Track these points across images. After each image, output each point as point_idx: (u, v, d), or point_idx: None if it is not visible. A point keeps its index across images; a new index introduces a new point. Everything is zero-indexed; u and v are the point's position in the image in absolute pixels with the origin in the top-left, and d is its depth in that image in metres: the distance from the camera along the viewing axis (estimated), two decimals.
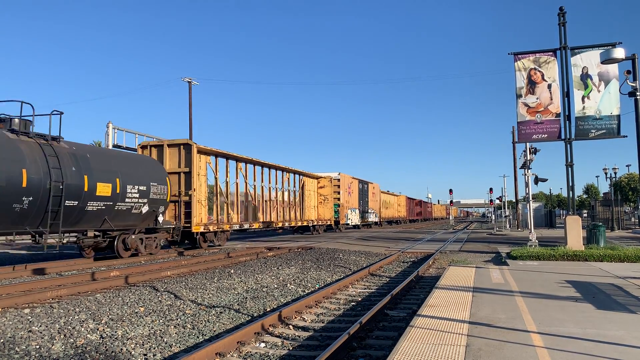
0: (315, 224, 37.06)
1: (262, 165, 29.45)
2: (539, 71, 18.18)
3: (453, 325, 6.56)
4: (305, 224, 35.28)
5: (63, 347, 7.04)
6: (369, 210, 52.67)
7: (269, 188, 30.19)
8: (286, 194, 33.20)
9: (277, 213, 31.39)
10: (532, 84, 18.24)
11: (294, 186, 34.57)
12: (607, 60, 13.82)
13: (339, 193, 41.65)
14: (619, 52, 13.46)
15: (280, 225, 31.34)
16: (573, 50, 17.77)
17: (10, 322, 7.89)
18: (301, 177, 36.03)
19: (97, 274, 13.85)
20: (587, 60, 17.56)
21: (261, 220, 28.68)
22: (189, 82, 38.87)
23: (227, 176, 25.18)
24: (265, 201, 29.45)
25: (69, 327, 7.87)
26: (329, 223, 39.93)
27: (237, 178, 26.07)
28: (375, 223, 57.17)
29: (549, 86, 18.09)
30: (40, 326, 7.80)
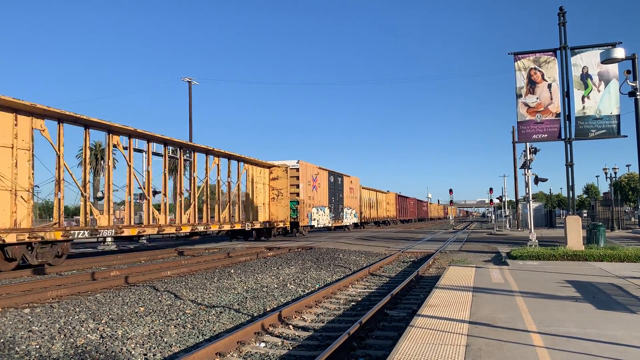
0: (260, 227, 28.08)
1: (165, 142, 20.88)
2: (539, 71, 18.17)
3: (453, 325, 6.56)
4: (237, 227, 25.49)
5: (63, 347, 7.04)
6: (345, 209, 43.21)
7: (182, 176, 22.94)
8: (216, 186, 25.44)
9: (195, 213, 22.90)
10: (532, 84, 18.24)
11: (229, 176, 26.07)
12: (607, 60, 13.81)
13: (297, 187, 32.16)
14: (619, 52, 13.45)
15: (190, 230, 21.88)
16: (573, 50, 17.77)
17: (10, 322, 7.90)
18: (242, 164, 27.17)
19: (97, 274, 13.85)
20: (587, 60, 17.56)
21: (161, 222, 20.35)
22: (189, 82, 38.88)
23: (86, 154, 17.73)
24: (173, 195, 22.77)
25: (69, 327, 7.87)
26: (283, 225, 30.61)
27: (108, 160, 18.17)
28: (356, 224, 48.36)
29: (549, 86, 18.09)
30: (40, 326, 7.80)
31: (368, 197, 54.22)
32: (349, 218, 44.53)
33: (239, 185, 27.03)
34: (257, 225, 27.93)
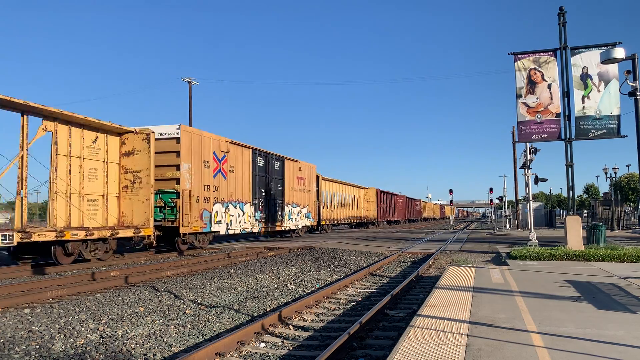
0: (58, 237, 14.33)
1: None
2: (539, 71, 18.17)
3: (453, 325, 6.56)
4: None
5: (63, 347, 7.04)
6: (289, 207, 30.67)
7: None
8: None
9: None
10: (532, 84, 18.24)
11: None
12: (607, 60, 13.82)
13: (178, 168, 19.58)
14: (619, 52, 13.46)
15: None
16: (573, 50, 17.77)
17: (10, 322, 7.89)
18: (41, 121, 15.21)
19: (97, 274, 13.85)
20: (587, 60, 17.57)
21: None
22: (189, 82, 38.85)
23: None
24: None
25: (69, 327, 7.87)
26: (136, 234, 17.47)
27: None
28: (310, 228, 36.21)
29: (549, 86, 18.09)
30: (40, 326, 7.80)
31: (334, 192, 41.45)
32: (296, 219, 32.01)
33: (22, 158, 14.38)
34: (48, 236, 14.11)
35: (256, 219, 26.15)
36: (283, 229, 30.01)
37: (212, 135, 22.21)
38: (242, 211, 24.77)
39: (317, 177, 37.40)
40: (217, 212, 22.30)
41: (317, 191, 37.09)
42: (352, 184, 48.88)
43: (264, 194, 27.22)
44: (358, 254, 20.52)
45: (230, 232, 23.57)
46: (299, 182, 33.10)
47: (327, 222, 39.37)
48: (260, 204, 26.89)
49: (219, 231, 22.53)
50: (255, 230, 26.11)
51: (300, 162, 33.59)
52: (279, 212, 29.32)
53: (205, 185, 21.44)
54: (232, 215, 23.71)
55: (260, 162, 27.09)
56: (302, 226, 33.39)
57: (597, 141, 17.89)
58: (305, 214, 33.98)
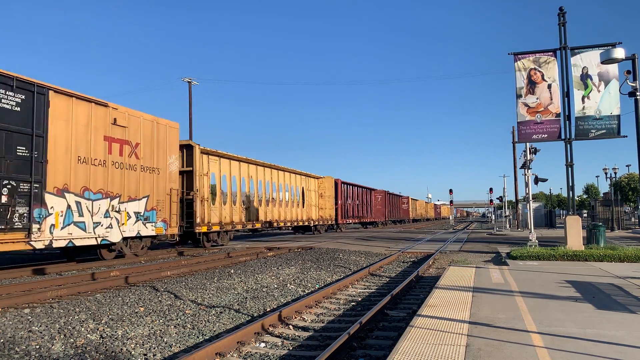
0: None
1: None
2: (539, 71, 18.17)
3: (453, 325, 6.56)
4: None
5: (63, 347, 7.04)
6: (67, 199, 14.29)
7: None
8: None
9: None
10: (532, 84, 18.24)
11: None
12: (607, 60, 13.82)
13: None
14: (619, 52, 13.46)
15: None
16: (573, 50, 17.78)
17: (10, 322, 7.89)
18: None
19: (97, 274, 13.85)
20: (587, 60, 17.57)
21: None
22: (188, 82, 38.84)
23: None
24: None
25: (69, 327, 7.87)
26: None
27: None
28: (170, 239, 20.44)
29: (549, 86, 18.09)
30: (40, 326, 7.80)
31: (249, 178, 27.15)
32: (105, 225, 16.01)
33: None
34: None
35: None
36: (38, 244, 13.73)
37: None
38: None
39: (193, 147, 21.87)
40: None
41: (191, 172, 21.75)
42: (293, 169, 33.65)
43: None
44: (358, 254, 20.52)
45: None
46: (117, 149, 16.87)
47: (223, 228, 23.94)
48: None
49: None
50: None
51: (122, 109, 17.08)
52: (16, 209, 13.06)
53: None
54: None
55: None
56: (132, 236, 17.63)
57: (597, 141, 17.91)
58: (139, 213, 17.83)
